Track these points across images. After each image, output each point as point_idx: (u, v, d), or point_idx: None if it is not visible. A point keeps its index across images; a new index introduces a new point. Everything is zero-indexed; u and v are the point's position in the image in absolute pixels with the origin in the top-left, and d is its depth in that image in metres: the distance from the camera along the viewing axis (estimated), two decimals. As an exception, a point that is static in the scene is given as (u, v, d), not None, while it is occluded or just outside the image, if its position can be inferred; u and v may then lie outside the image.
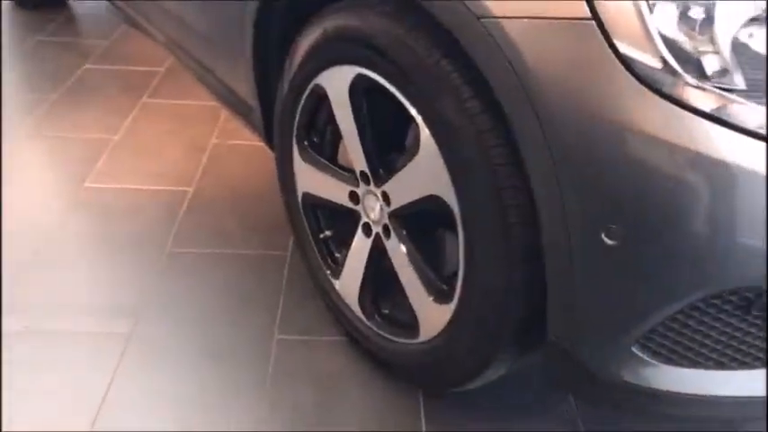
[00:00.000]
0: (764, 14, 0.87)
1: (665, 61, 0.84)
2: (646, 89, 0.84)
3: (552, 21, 0.88)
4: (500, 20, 0.91)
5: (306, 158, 1.43)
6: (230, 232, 1.84)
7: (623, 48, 0.84)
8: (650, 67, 0.84)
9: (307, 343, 1.52)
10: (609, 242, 0.90)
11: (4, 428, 1.34)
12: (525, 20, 0.90)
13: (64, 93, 2.55)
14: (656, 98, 0.84)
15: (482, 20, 0.93)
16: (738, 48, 0.86)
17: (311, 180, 1.45)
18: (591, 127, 0.87)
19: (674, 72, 0.84)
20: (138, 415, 1.33)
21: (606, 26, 0.84)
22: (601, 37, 0.85)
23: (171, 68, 2.74)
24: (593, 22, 0.85)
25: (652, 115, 0.84)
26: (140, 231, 1.83)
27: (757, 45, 0.87)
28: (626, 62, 0.84)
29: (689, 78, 0.84)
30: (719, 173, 0.85)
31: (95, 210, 1.91)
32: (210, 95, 1.91)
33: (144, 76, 2.69)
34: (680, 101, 0.84)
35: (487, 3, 0.92)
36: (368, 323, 1.41)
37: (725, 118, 0.84)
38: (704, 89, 0.84)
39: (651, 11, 0.84)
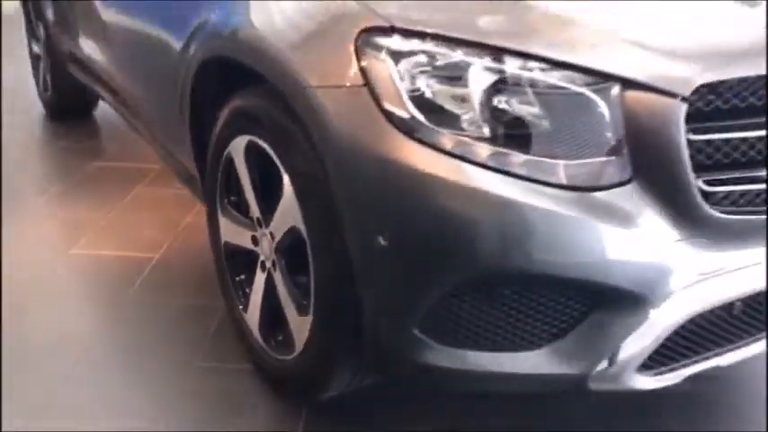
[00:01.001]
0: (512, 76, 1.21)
1: (412, 115, 1.20)
2: (402, 135, 1.20)
3: (344, 88, 1.26)
4: (315, 88, 1.30)
5: (225, 213, 1.80)
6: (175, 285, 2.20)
7: (386, 105, 1.21)
8: (402, 119, 1.20)
9: (219, 369, 1.82)
10: (383, 243, 1.23)
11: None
12: (330, 88, 1.28)
13: (70, 185, 3.02)
14: (409, 141, 1.20)
15: (306, 89, 1.31)
16: (491, 107, 1.21)
17: (229, 230, 1.81)
18: (368, 162, 1.23)
19: (419, 122, 1.20)
20: None
21: (374, 91, 1.22)
22: (371, 98, 1.22)
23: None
24: (366, 88, 1.23)
25: (406, 153, 1.20)
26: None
27: (511, 107, 1.21)
28: (388, 115, 1.21)
29: (434, 127, 1.20)
30: (456, 190, 1.18)
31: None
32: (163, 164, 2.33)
33: (140, 171, 3.15)
34: (425, 143, 1.20)
35: (307, 75, 1.31)
36: (266, 347, 1.71)
37: (462, 155, 1.19)
38: (444, 134, 1.19)
39: (402, 79, 1.21)
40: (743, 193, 1.27)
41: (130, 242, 2.47)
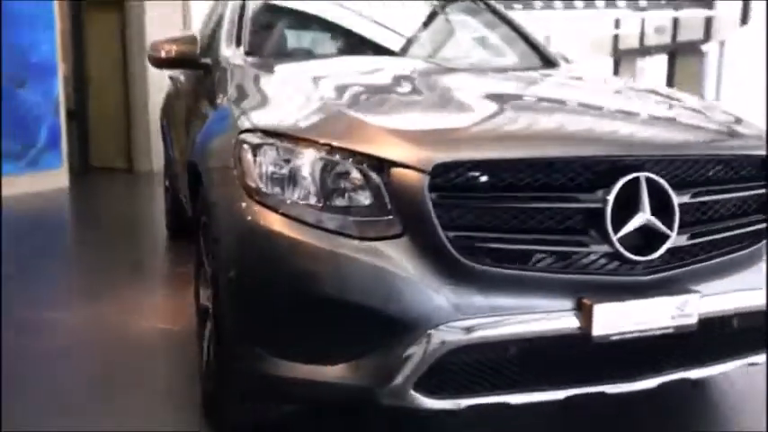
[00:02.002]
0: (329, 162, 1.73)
1: (259, 187, 1.74)
2: (252, 200, 1.74)
3: (227, 168, 1.85)
4: (213, 168, 1.91)
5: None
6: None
7: (246, 180, 1.77)
8: (253, 189, 1.75)
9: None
10: (232, 275, 1.74)
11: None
12: (221, 168, 1.88)
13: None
14: (256, 204, 1.73)
15: (210, 169, 1.93)
16: (314, 183, 1.72)
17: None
18: (229, 216, 1.79)
19: (264, 192, 1.73)
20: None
21: (240, 170, 1.79)
22: (237, 176, 1.79)
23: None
24: (235, 170, 1.81)
25: (253, 213, 1.73)
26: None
27: (327, 183, 1.73)
28: (246, 187, 1.76)
29: (274, 195, 1.73)
30: (286, 240, 1.67)
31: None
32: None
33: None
34: (268, 206, 1.72)
35: (213, 161, 1.93)
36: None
37: (292, 215, 1.69)
38: (280, 200, 1.71)
39: (256, 164, 1.77)
40: (505, 251, 1.63)
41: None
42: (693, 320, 1.75)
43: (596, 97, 2.44)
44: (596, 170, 1.70)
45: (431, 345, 1.60)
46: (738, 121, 2.16)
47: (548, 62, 3.22)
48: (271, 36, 3.13)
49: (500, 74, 2.85)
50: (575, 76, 2.89)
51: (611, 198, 1.66)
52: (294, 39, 3.31)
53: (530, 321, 1.65)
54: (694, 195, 1.81)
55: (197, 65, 2.87)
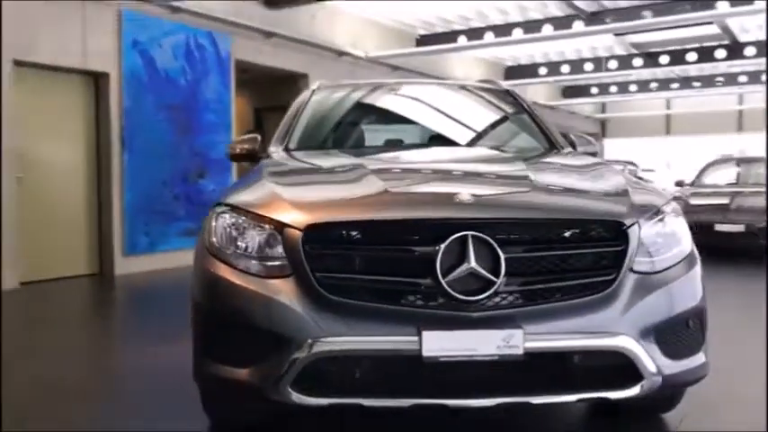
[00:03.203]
0: (268, 232, 2.46)
1: (214, 245, 2.49)
2: (210, 255, 2.50)
3: (204, 233, 2.63)
4: (203, 232, 2.70)
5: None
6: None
7: (210, 239, 2.53)
8: (212, 246, 2.50)
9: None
10: (193, 305, 2.50)
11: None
12: (203, 233, 2.68)
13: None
14: (211, 257, 2.48)
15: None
16: (252, 245, 2.44)
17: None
18: (198, 264, 2.55)
19: (217, 248, 2.47)
20: None
21: (208, 233, 2.56)
22: (205, 236, 2.56)
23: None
24: (206, 232, 2.59)
25: (209, 263, 2.48)
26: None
27: (263, 245, 2.45)
28: (209, 245, 2.52)
29: (225, 252, 2.46)
30: (227, 282, 2.40)
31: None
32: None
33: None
34: (219, 258, 2.46)
35: (206, 231, 2.72)
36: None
37: (234, 265, 2.42)
38: (227, 255, 2.45)
39: (215, 228, 2.53)
40: (358, 288, 2.21)
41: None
42: (519, 351, 2.16)
43: (509, 170, 2.92)
44: (434, 228, 2.23)
45: (301, 355, 2.20)
46: (623, 192, 2.52)
47: (553, 147, 3.69)
48: (313, 133, 3.94)
49: (470, 154, 3.43)
50: (545, 159, 3.33)
51: (440, 250, 2.18)
52: (333, 135, 4.09)
53: (377, 342, 2.19)
54: (527, 251, 2.24)
55: (256, 158, 3.75)
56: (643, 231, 2.39)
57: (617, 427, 2.90)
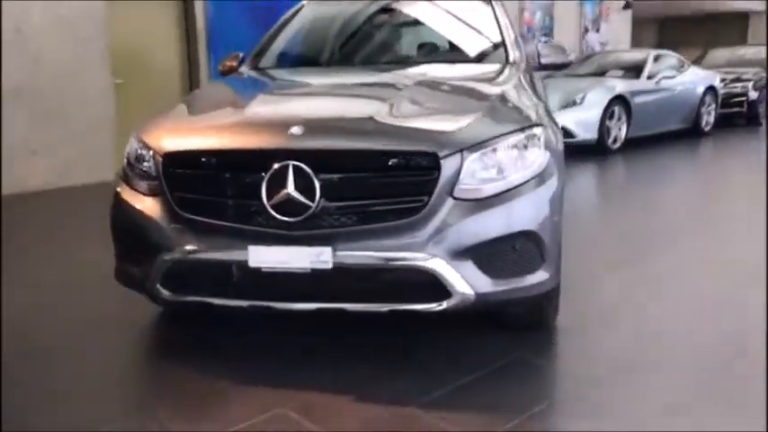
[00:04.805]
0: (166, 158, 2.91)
1: (125, 171, 2.98)
2: (122, 180, 3.00)
3: (126, 158, 3.13)
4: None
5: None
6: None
7: (123, 165, 3.02)
8: (123, 172, 3.00)
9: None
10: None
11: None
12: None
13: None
14: (122, 183, 2.98)
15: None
16: (157, 172, 2.91)
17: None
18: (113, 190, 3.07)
19: (127, 175, 2.97)
20: None
21: (127, 160, 3.05)
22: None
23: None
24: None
25: (121, 188, 2.99)
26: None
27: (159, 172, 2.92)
28: (122, 171, 3.02)
29: (131, 177, 2.96)
30: (124, 202, 2.92)
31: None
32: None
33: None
34: (128, 183, 2.97)
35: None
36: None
37: (139, 189, 2.92)
38: (132, 180, 2.94)
39: (128, 156, 3.01)
40: (204, 206, 2.61)
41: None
42: (329, 266, 2.48)
43: (381, 96, 3.10)
44: (265, 157, 2.54)
45: (162, 260, 2.68)
46: (449, 128, 2.66)
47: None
48: (290, 50, 4.24)
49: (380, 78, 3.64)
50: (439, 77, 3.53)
51: (266, 177, 2.50)
52: (306, 52, 4.35)
53: (217, 252, 2.60)
54: (344, 179, 2.50)
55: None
56: (469, 161, 2.54)
57: (497, 334, 3.13)
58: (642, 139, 10.09)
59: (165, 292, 2.74)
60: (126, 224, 2.87)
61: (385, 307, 2.58)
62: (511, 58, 3.78)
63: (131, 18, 8.11)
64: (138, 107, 8.01)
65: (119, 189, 2.94)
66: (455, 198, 2.54)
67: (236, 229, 2.59)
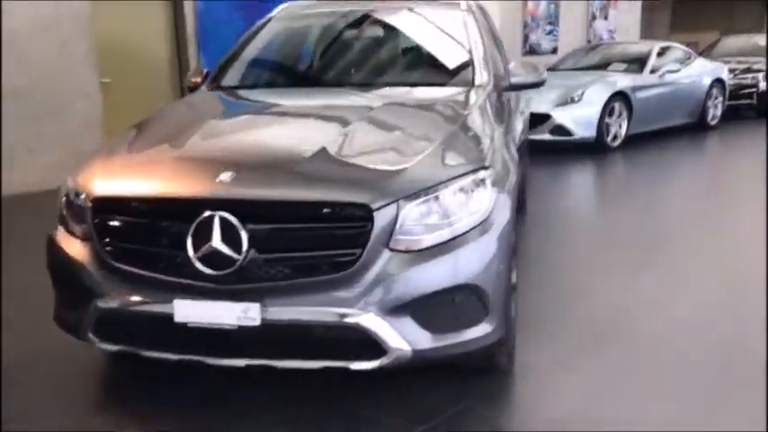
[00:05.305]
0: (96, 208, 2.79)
1: (63, 218, 2.88)
2: (61, 226, 2.89)
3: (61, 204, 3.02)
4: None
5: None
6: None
7: (62, 213, 2.92)
8: (61, 218, 2.88)
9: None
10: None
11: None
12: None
13: None
14: (61, 228, 2.87)
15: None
16: (89, 222, 2.80)
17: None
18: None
19: (64, 222, 2.86)
20: None
21: (61, 210, 2.93)
22: (60, 210, 2.94)
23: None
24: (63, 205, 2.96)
25: (58, 233, 2.87)
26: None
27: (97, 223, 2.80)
28: (60, 218, 2.92)
29: (69, 224, 2.83)
30: (57, 244, 2.81)
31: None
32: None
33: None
34: (66, 230, 2.85)
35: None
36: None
37: (77, 234, 2.81)
38: (70, 226, 2.83)
39: (62, 205, 2.89)
40: (129, 255, 2.50)
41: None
42: (256, 323, 2.36)
43: (328, 130, 3.00)
44: (190, 206, 2.41)
45: (92, 308, 2.57)
46: (386, 174, 2.49)
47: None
48: (252, 69, 4.09)
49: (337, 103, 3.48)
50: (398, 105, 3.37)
51: (192, 227, 2.38)
52: (269, 72, 4.20)
53: (144, 304, 2.49)
54: (274, 230, 2.37)
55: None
56: (406, 210, 2.40)
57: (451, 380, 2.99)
58: (644, 136, 9.83)
59: (96, 340, 2.64)
60: (59, 269, 2.77)
61: (317, 364, 2.46)
62: (477, 81, 3.61)
63: (120, 17, 7.97)
64: (126, 106, 7.89)
65: (54, 232, 2.82)
66: (391, 250, 2.39)
67: (162, 281, 2.47)
